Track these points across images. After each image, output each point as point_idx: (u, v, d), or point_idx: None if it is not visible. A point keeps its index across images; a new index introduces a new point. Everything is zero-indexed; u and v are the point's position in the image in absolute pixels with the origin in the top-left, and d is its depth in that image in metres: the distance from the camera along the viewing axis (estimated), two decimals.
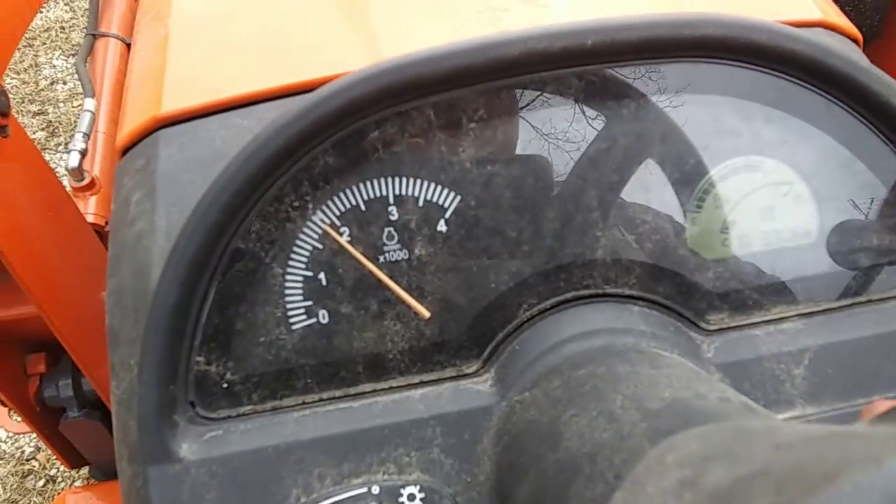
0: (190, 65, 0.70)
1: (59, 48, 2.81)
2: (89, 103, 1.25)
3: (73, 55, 2.71)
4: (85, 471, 1.76)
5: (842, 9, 1.05)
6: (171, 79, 0.68)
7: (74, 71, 1.34)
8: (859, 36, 0.75)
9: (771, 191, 0.58)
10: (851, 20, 1.06)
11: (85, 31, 1.40)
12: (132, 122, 0.68)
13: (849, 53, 0.67)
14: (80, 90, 1.30)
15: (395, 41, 0.69)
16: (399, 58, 0.51)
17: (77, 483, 1.82)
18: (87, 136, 1.20)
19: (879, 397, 0.52)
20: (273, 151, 0.49)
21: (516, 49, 0.51)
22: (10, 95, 0.89)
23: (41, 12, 2.84)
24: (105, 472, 1.36)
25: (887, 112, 0.56)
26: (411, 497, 0.48)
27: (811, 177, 0.58)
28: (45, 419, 1.19)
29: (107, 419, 1.20)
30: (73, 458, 1.30)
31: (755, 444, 0.29)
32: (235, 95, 0.64)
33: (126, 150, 0.67)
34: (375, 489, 0.49)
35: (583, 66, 0.53)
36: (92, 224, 1.14)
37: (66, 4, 2.96)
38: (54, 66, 2.75)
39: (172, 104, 0.65)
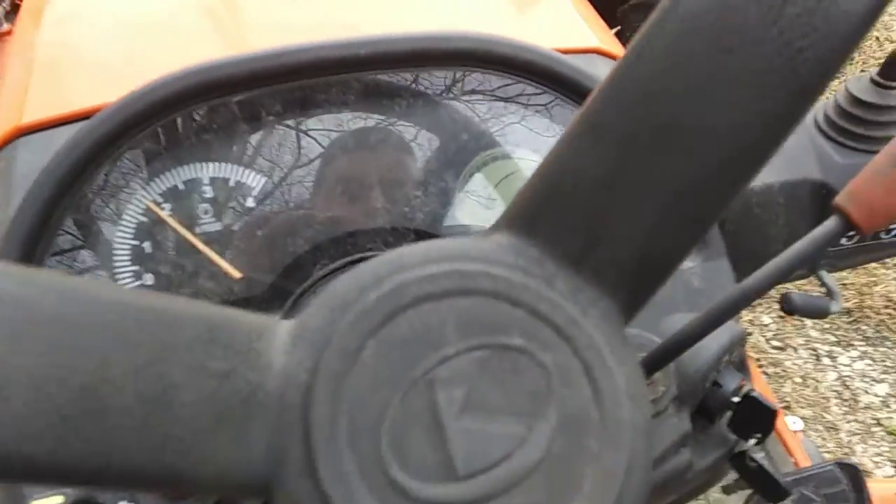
0: (53, 75, 0.80)
1: None
2: None
3: None
4: None
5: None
6: (34, 89, 0.78)
7: None
8: None
9: (523, 175, 0.72)
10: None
11: None
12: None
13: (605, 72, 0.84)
14: None
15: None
16: (204, 62, 0.63)
17: None
18: None
19: None
20: (98, 138, 0.60)
21: (302, 57, 0.65)
22: None
23: None
24: None
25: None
26: None
27: None
28: None
29: None
30: None
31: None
32: (92, 106, 0.74)
33: None
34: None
35: (357, 72, 0.67)
36: None
37: None
38: None
39: (33, 115, 0.75)
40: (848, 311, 2.10)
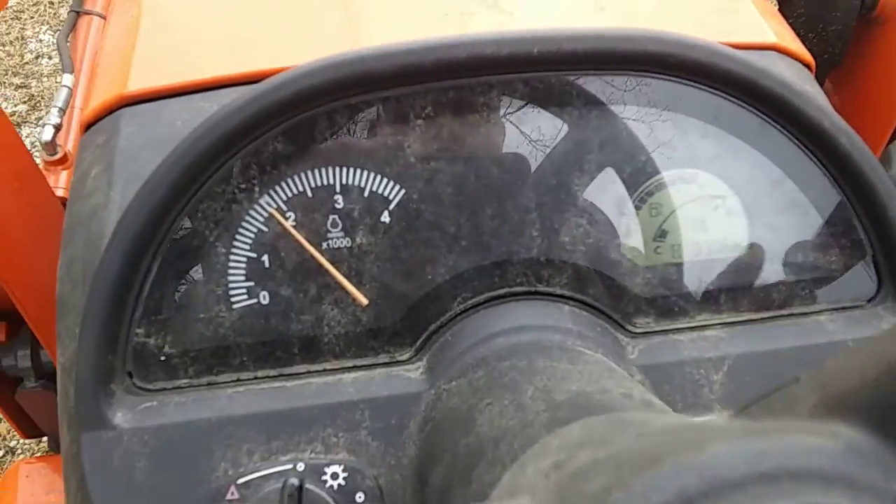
0: (158, 46, 0.72)
1: (48, 23, 2.80)
2: (67, 79, 1.26)
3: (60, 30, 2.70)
4: (45, 444, 1.77)
5: (806, 35, 1.08)
6: (139, 59, 0.70)
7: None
8: (811, 61, 0.78)
9: (704, 203, 0.60)
10: (814, 47, 1.09)
11: (70, 7, 1.41)
12: (98, 98, 0.69)
13: (791, 77, 0.70)
14: None
15: (356, 39, 0.71)
16: (349, 53, 0.53)
17: (37, 455, 1.82)
18: (62, 111, 1.21)
19: None
20: (222, 134, 0.51)
21: (464, 52, 0.53)
22: None
23: None
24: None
25: (818, 134, 0.59)
26: (334, 476, 0.50)
27: (742, 192, 0.61)
28: (1, 388, 1.20)
29: None
30: (29, 429, 1.31)
31: (625, 432, 0.31)
32: (199, 79, 0.65)
33: (89, 126, 0.69)
34: (300, 466, 0.50)
35: (528, 74, 0.56)
36: (61, 198, 1.15)
37: None
38: (41, 40, 2.75)
39: (138, 84, 0.66)
40: None
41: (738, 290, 0.60)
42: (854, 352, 0.26)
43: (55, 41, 2.71)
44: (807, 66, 0.78)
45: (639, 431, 0.30)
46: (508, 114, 0.57)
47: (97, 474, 0.50)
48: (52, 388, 1.21)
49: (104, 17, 1.40)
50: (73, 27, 1.40)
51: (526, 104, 0.58)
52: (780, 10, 1.09)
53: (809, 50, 0.88)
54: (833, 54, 1.06)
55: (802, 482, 0.21)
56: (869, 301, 0.59)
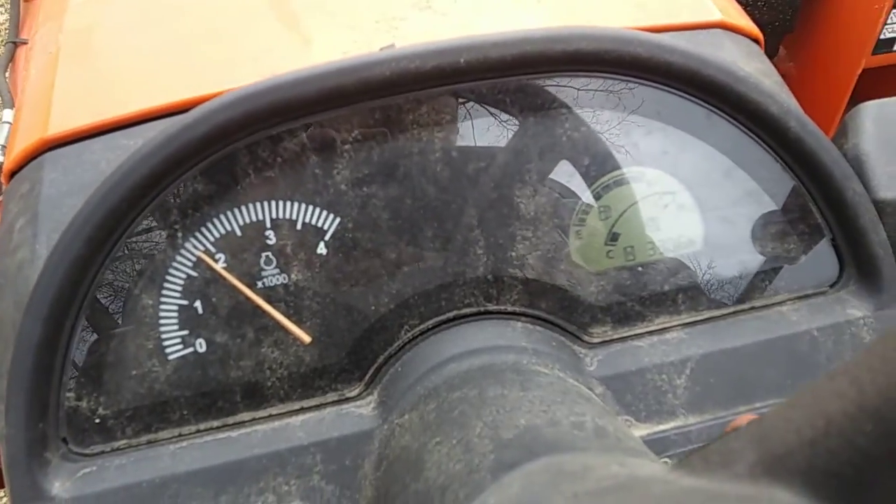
0: (78, 83, 0.68)
1: None
2: (7, 115, 1.22)
3: None
4: None
5: (755, 3, 1.06)
6: (58, 98, 0.67)
7: None
8: (759, 35, 0.76)
9: (654, 201, 0.58)
10: (764, 15, 1.07)
11: (5, 40, 1.36)
12: (20, 144, 0.66)
13: (738, 55, 0.68)
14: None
15: (289, 53, 0.68)
16: (265, 81, 0.50)
17: None
18: (4, 147, 1.18)
19: (747, 410, 0.53)
20: (134, 183, 0.48)
21: (387, 69, 0.51)
22: None
23: None
24: None
25: (766, 120, 0.56)
26: None
27: (693, 186, 0.58)
28: None
29: None
30: None
31: (563, 489, 0.29)
32: (121, 115, 0.62)
33: (13, 174, 0.66)
34: None
35: (456, 85, 0.53)
36: None
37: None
38: None
39: (59, 125, 0.63)
40: None
41: (695, 289, 0.58)
42: (794, 403, 0.24)
43: None
44: (755, 40, 0.76)
45: (575, 490, 0.28)
46: (440, 129, 0.55)
47: None
48: None
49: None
50: (10, 59, 1.36)
51: (458, 117, 0.55)
52: None
53: (760, 18, 0.86)
54: (784, 21, 1.04)
55: None
56: (832, 286, 0.57)
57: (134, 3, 0.77)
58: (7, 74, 1.33)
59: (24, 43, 1.41)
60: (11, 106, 1.24)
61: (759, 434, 0.24)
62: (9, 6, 1.35)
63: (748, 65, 0.67)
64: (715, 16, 0.73)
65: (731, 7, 0.78)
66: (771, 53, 1.16)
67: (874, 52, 1.00)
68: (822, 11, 1.05)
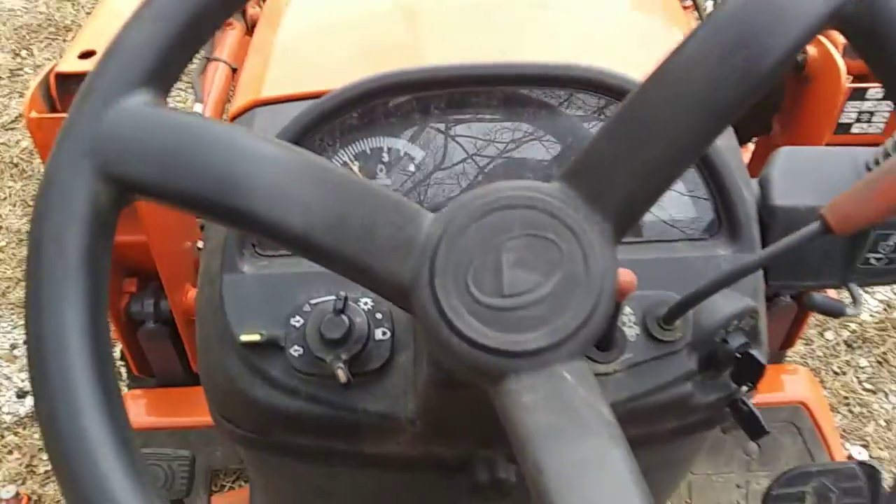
0: (285, 64, 1.10)
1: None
2: (198, 107, 1.69)
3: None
4: None
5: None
6: (270, 74, 1.08)
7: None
8: None
9: None
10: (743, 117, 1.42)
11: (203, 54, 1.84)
12: (240, 99, 1.08)
13: None
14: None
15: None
16: (397, 70, 0.89)
17: None
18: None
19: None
20: (320, 112, 0.88)
21: (465, 72, 0.90)
22: None
23: None
24: (164, 384, 1.73)
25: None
26: (366, 303, 0.84)
27: None
28: (127, 327, 1.56)
29: (174, 334, 1.59)
30: (142, 366, 1.68)
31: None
32: (312, 90, 1.03)
33: (233, 119, 1.08)
34: (343, 293, 0.83)
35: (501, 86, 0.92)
36: None
37: None
38: None
39: (269, 92, 1.04)
40: None
41: None
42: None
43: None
44: None
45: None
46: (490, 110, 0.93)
47: (230, 297, 0.85)
48: (165, 332, 1.59)
49: (228, 64, 1.83)
50: (204, 69, 1.84)
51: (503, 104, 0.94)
52: None
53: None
54: (771, 103, 1.40)
55: (527, 191, 0.54)
56: (711, 236, 0.90)
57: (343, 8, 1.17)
58: (200, 79, 1.81)
59: (216, 60, 1.89)
60: (202, 101, 1.71)
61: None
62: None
63: None
64: None
65: None
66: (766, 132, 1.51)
67: (835, 133, 1.34)
68: (802, 99, 1.40)
